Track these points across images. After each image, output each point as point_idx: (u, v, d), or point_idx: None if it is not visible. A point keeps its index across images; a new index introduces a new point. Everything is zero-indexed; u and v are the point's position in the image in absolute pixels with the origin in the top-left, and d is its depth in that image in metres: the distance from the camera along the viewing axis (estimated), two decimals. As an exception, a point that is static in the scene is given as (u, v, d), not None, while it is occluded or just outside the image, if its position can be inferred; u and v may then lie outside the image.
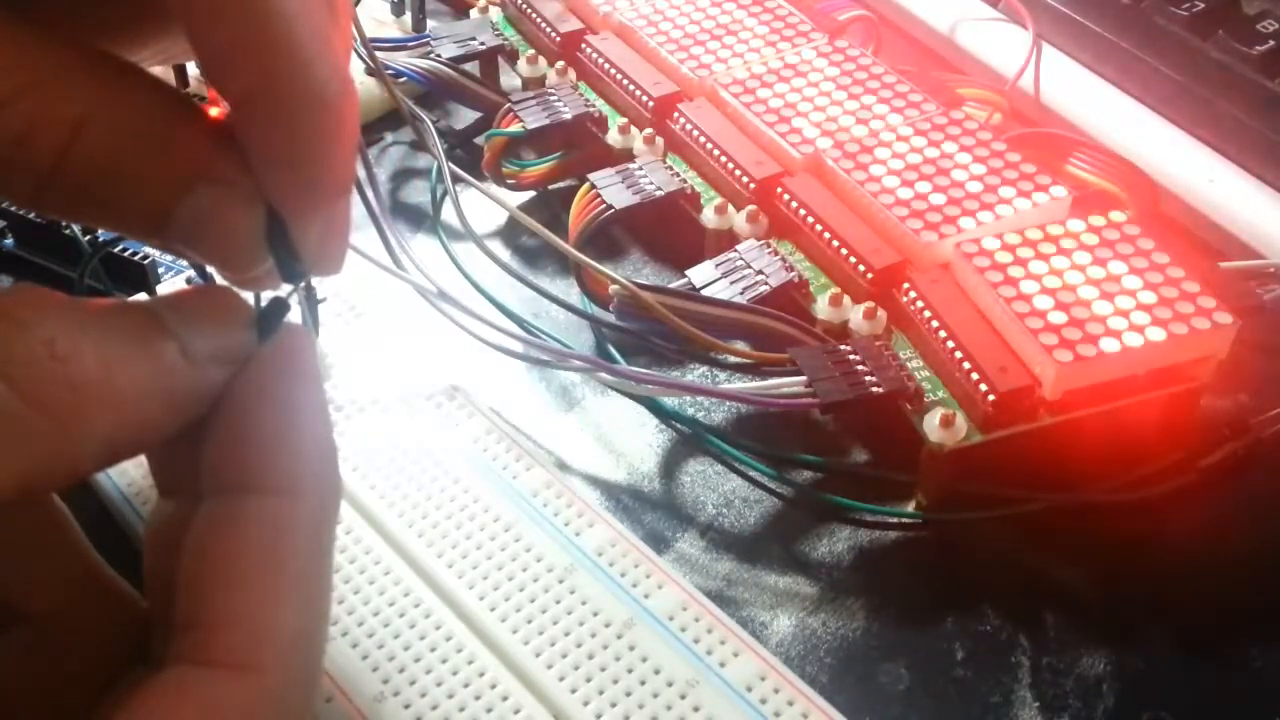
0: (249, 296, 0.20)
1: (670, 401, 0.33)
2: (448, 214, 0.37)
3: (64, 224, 0.34)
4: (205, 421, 0.18)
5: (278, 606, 0.18)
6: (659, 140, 0.37)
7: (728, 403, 0.32)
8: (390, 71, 0.38)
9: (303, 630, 0.18)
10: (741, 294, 0.32)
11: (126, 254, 0.33)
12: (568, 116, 0.38)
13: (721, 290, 0.32)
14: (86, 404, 0.16)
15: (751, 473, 0.31)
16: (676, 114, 0.36)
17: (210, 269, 0.19)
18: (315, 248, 0.19)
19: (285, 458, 0.18)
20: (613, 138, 0.37)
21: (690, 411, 0.33)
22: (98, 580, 0.20)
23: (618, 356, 0.33)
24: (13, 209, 0.36)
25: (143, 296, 0.33)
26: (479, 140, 0.40)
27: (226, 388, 0.18)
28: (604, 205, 0.35)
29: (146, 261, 0.33)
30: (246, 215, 0.18)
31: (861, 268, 0.32)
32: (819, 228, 0.33)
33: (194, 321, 0.18)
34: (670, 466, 0.32)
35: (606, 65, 0.38)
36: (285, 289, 0.20)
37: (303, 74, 0.17)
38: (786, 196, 0.34)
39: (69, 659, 0.19)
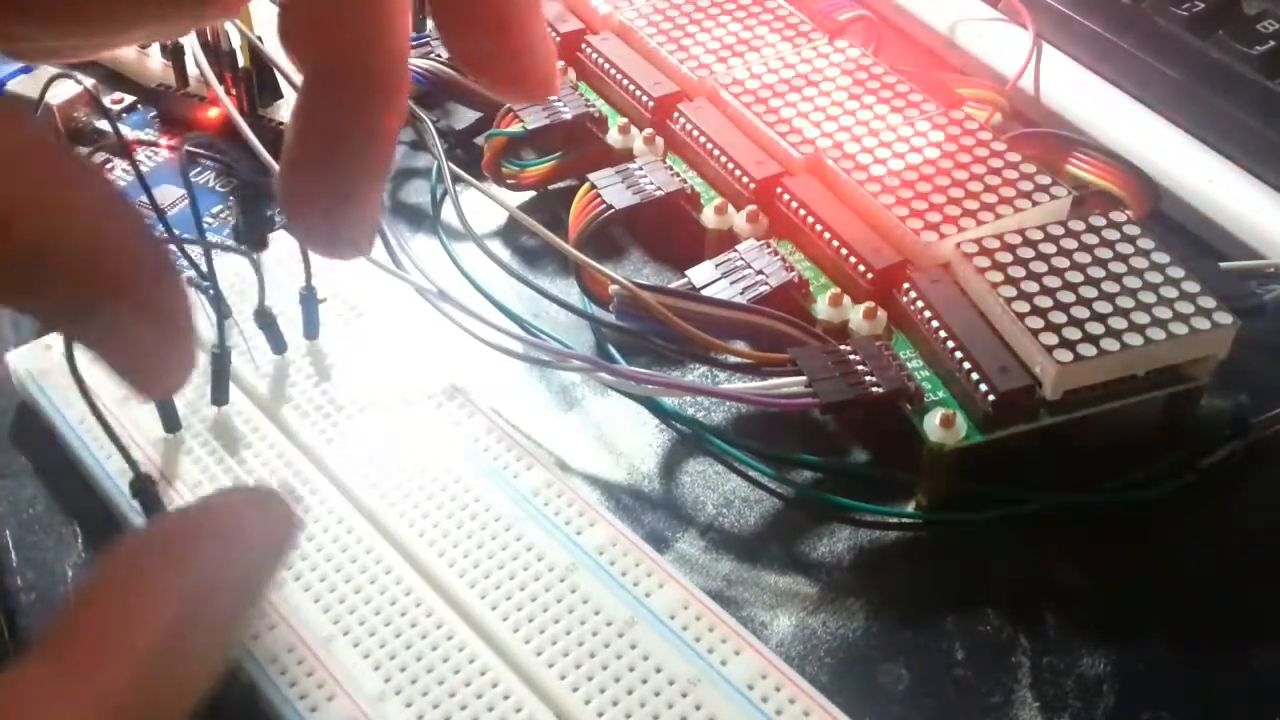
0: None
1: (670, 401, 0.33)
2: (448, 214, 0.37)
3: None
4: None
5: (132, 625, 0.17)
6: (659, 140, 0.37)
7: (728, 403, 0.32)
8: (390, 71, 0.38)
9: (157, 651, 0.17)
10: (741, 294, 0.32)
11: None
12: (568, 116, 0.38)
13: (721, 290, 0.32)
14: None
15: (751, 473, 0.31)
16: (676, 114, 0.36)
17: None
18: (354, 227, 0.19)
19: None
20: (613, 138, 0.37)
21: (690, 411, 0.33)
22: None
23: (618, 356, 0.33)
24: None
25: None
26: (479, 140, 0.40)
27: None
28: (604, 205, 0.35)
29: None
30: (151, 337, 0.17)
31: (861, 268, 0.32)
32: (819, 228, 0.33)
33: None
34: (670, 466, 0.32)
35: (606, 65, 0.38)
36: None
37: None
38: (786, 196, 0.34)
39: None
